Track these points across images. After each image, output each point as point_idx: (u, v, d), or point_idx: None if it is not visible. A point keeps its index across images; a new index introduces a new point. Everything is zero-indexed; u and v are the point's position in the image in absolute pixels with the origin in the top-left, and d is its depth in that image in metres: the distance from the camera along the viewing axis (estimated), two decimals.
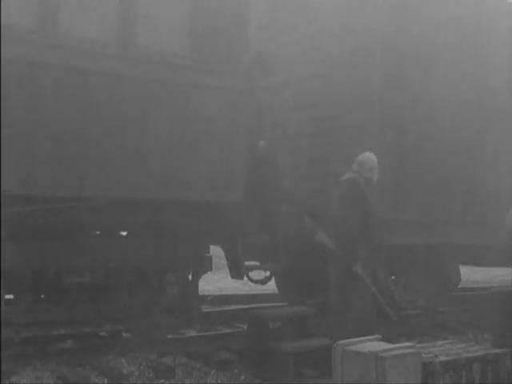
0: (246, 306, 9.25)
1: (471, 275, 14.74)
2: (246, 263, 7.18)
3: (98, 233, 6.66)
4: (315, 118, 8.43)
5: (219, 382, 6.26)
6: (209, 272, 7.29)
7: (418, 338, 8.18)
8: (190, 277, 7.17)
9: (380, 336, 5.19)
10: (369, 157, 6.50)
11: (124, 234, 6.90)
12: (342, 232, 6.13)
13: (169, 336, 7.25)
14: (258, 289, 10.36)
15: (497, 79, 8.98)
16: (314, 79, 8.48)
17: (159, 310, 6.88)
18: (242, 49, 6.78)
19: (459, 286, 9.84)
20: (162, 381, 6.12)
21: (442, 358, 4.78)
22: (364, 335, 5.06)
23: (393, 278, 8.63)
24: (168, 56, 6.35)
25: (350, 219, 6.08)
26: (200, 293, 7.42)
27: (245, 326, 7.32)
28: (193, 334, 8.00)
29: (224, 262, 7.48)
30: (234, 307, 9.78)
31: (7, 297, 6.21)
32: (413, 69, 8.13)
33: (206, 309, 8.42)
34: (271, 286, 9.23)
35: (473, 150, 8.77)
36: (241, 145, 6.78)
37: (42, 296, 6.46)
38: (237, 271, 7.15)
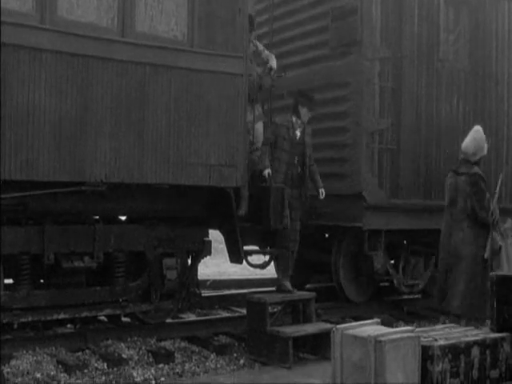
0: (246, 291, 9.26)
1: None
2: (245, 248, 7.18)
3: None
4: None
5: (218, 366, 6.27)
6: (208, 256, 7.30)
7: (416, 322, 8.20)
8: (189, 261, 7.18)
9: (379, 320, 5.20)
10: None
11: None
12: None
13: (168, 320, 7.26)
14: (258, 273, 10.37)
15: None
16: None
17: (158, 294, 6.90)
18: (240, 34, 6.74)
19: None
20: (161, 365, 6.13)
21: (441, 342, 4.78)
22: None
23: (392, 262, 8.64)
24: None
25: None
26: (199, 277, 7.42)
27: (244, 311, 7.32)
28: (192, 318, 8.03)
29: (223, 246, 7.47)
30: (233, 291, 9.80)
31: (6, 281, 6.21)
32: None
33: (205, 293, 8.42)
34: (270, 271, 9.23)
35: None
36: (240, 129, 6.76)
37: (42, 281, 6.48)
38: (236, 256, 7.15)
